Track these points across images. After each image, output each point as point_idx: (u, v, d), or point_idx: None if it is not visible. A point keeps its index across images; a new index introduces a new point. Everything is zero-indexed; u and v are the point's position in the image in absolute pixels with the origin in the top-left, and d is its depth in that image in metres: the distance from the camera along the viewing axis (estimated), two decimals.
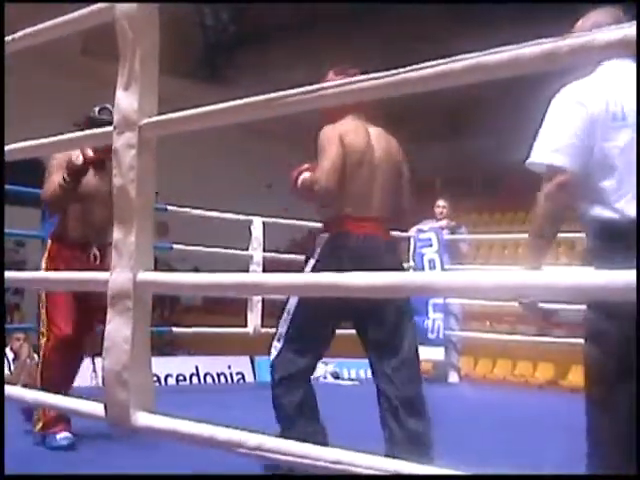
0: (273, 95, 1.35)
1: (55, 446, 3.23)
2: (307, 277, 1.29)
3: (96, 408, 1.55)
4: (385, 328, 2.75)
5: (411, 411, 2.69)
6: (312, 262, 2.77)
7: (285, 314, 2.79)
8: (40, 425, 3.30)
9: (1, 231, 2.14)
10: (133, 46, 1.52)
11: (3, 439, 1.95)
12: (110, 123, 1.55)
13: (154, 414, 1.46)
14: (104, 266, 3.27)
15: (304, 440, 1.20)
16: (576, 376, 8.88)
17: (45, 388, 3.07)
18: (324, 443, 2.39)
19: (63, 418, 3.27)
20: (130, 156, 1.49)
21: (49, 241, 3.57)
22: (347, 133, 2.80)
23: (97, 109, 3.52)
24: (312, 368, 2.86)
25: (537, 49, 1.04)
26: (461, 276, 1.14)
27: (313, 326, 2.78)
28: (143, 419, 1.45)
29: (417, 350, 2.86)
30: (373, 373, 2.82)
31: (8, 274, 2.18)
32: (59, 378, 3.31)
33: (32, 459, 3.07)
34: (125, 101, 1.53)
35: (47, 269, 3.43)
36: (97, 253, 3.46)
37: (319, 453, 1.10)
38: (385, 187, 2.85)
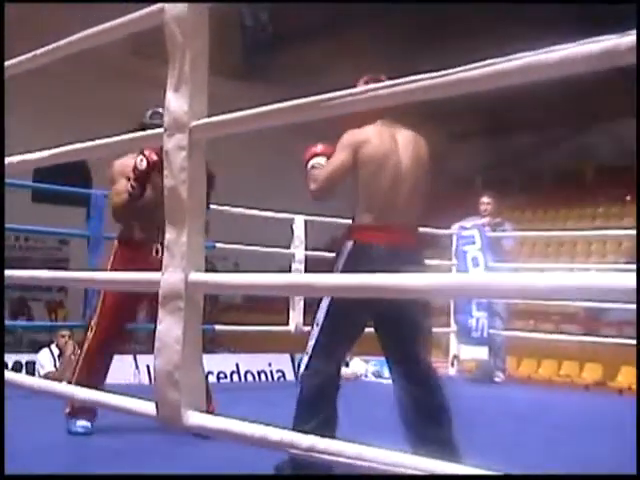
0: (323, 97, 1.35)
1: (72, 431, 3.44)
2: (358, 278, 1.28)
3: (147, 407, 1.57)
4: (404, 330, 2.74)
5: (422, 416, 2.67)
6: (337, 272, 2.74)
7: (315, 326, 2.76)
8: (68, 410, 3.48)
9: (1, 228, 2.17)
10: (183, 48, 1.52)
11: (3, 439, 1.97)
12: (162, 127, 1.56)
13: (205, 413, 1.47)
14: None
15: None
16: (626, 377, 8.76)
17: (81, 380, 3.31)
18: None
19: (88, 409, 3.43)
20: (181, 158, 1.50)
21: (115, 243, 3.69)
22: (367, 141, 2.77)
23: (149, 113, 3.54)
24: (339, 376, 2.84)
25: (596, 47, 1.02)
26: (502, 278, 1.13)
27: (342, 335, 2.77)
28: (194, 418, 1.46)
29: (427, 352, 2.85)
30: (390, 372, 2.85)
31: (57, 273, 2.22)
32: (96, 373, 3.52)
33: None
34: (175, 103, 1.54)
35: (112, 269, 3.54)
36: (159, 248, 3.55)
37: (374, 455, 1.10)
38: (413, 194, 2.81)
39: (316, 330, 2.75)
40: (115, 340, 3.64)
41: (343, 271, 2.69)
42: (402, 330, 2.74)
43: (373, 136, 2.79)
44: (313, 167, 2.90)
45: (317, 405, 2.73)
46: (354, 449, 1.16)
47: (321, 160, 2.90)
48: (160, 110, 3.44)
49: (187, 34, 1.53)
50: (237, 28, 18.04)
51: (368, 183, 2.76)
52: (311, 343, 2.76)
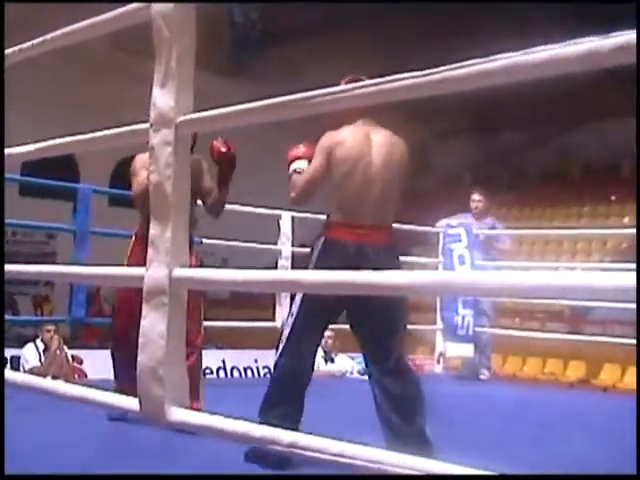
0: (308, 94, 1.35)
1: (107, 414, 3.47)
2: (342, 275, 1.29)
3: (131, 403, 1.57)
4: (377, 325, 2.82)
5: (396, 410, 2.75)
6: (310, 268, 2.82)
7: (289, 317, 2.88)
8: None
9: (1, 226, 2.17)
10: (169, 44, 1.53)
11: (3, 439, 1.97)
12: None
13: (189, 409, 1.48)
14: None
15: None
16: (609, 375, 8.81)
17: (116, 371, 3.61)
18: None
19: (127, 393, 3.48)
20: (167, 153, 1.50)
21: (132, 239, 3.73)
22: (341, 142, 2.85)
23: None
24: (313, 367, 2.96)
25: (579, 48, 1.03)
26: (483, 276, 1.14)
27: (315, 324, 2.89)
28: (178, 414, 1.46)
29: (402, 348, 2.92)
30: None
31: (43, 267, 2.21)
32: (122, 365, 3.64)
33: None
34: (162, 99, 1.54)
35: (128, 265, 3.55)
36: None
37: (356, 452, 1.10)
38: (385, 194, 2.88)
39: (291, 320, 2.85)
40: (133, 336, 3.69)
41: (316, 267, 2.79)
42: (375, 325, 2.81)
43: (347, 137, 2.87)
44: (295, 171, 3.00)
45: (287, 393, 2.83)
46: (337, 446, 1.17)
47: (302, 164, 3.00)
48: None
49: (174, 30, 1.53)
50: (226, 24, 17.99)
51: (340, 182, 2.84)
52: (286, 332, 2.86)
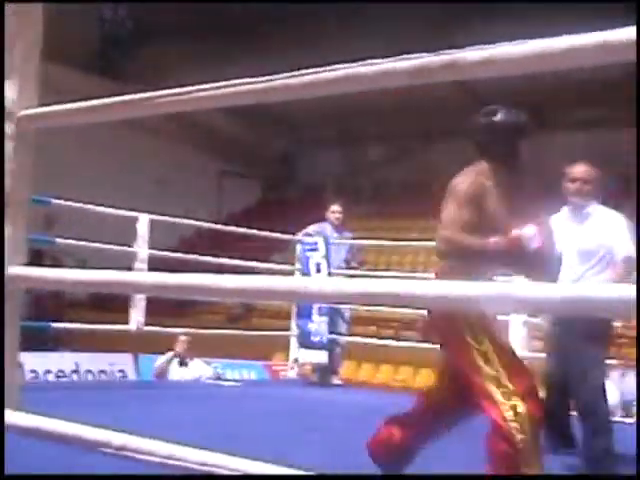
0: (157, 93, 1.35)
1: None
2: (185, 278, 1.29)
3: None
4: None
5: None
6: None
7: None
8: None
9: (1, 227, 2.06)
10: (14, 39, 1.50)
11: (3, 439, 1.88)
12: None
13: (20, 412, 1.44)
14: None
15: None
16: None
17: None
18: None
19: None
20: (8, 148, 1.46)
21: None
22: None
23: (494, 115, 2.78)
24: None
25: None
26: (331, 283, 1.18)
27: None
28: (8, 417, 1.42)
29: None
30: None
31: None
32: None
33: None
34: (7, 92, 1.50)
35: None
36: None
37: (184, 454, 1.12)
38: None
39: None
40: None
41: None
42: None
43: None
44: None
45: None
46: (165, 448, 1.17)
47: None
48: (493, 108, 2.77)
49: (19, 25, 1.50)
50: (95, 21, 17.54)
51: None
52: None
